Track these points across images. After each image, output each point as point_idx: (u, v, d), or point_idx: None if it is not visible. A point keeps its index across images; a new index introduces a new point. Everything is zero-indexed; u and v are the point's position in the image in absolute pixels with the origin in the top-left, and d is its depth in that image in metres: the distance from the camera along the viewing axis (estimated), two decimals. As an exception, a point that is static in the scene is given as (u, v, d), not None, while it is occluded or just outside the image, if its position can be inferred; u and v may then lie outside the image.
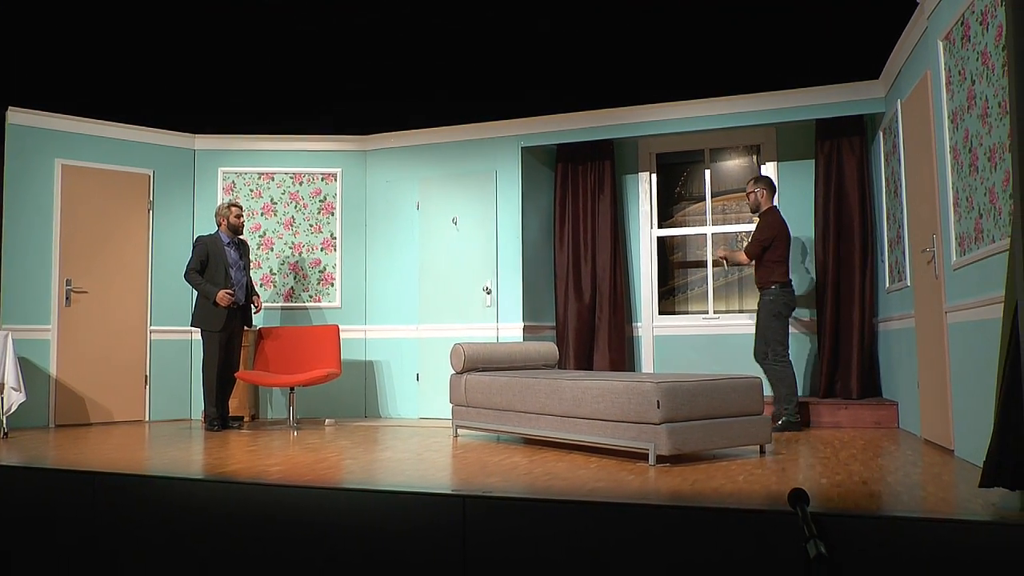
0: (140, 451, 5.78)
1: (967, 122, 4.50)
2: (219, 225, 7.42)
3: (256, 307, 7.51)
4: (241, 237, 7.56)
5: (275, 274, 8.56)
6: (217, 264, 7.24)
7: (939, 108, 5.02)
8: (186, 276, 7.24)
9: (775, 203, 7.05)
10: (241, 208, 7.52)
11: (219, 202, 8.34)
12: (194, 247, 7.36)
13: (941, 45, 4.95)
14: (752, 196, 6.98)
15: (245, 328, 7.56)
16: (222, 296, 7.09)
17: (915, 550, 2.98)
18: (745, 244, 7.19)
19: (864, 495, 3.72)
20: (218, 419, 7.16)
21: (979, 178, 4.31)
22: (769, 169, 7.95)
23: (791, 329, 7.24)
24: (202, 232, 7.90)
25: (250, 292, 7.49)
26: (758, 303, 6.90)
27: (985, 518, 3.14)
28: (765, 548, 3.14)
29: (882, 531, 3.06)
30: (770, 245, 6.75)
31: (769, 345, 6.73)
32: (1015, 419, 3.17)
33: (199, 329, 7.33)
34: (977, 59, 4.31)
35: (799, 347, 7.70)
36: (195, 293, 7.37)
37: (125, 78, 7.66)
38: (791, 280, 6.88)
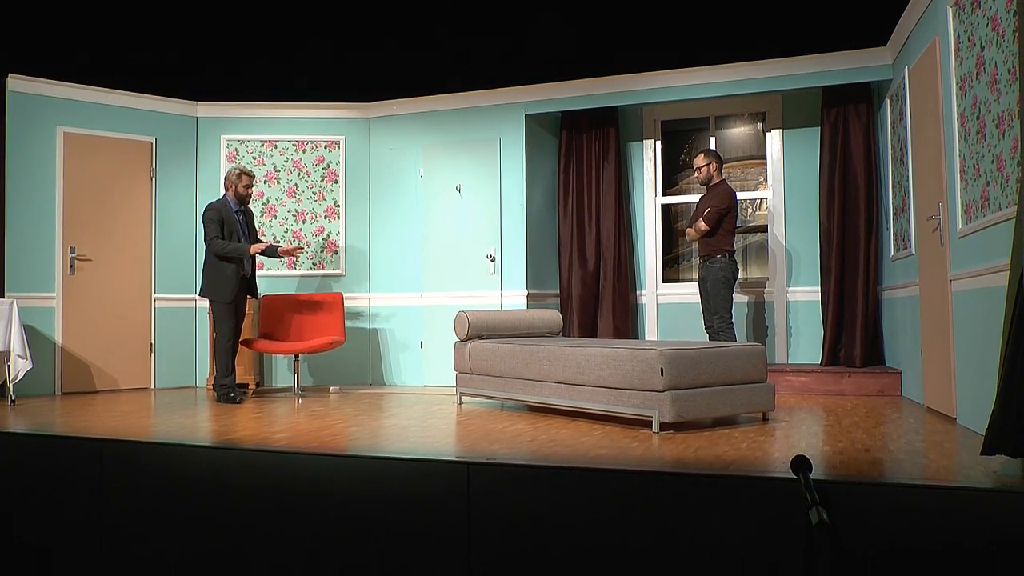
0: (146, 418, 5.82)
1: (975, 89, 4.46)
2: (227, 190, 7.19)
3: (294, 254, 7.28)
4: (247, 206, 7.45)
5: (279, 242, 8.53)
6: (231, 230, 7.03)
7: (947, 75, 4.98)
8: (211, 246, 6.93)
9: (724, 175, 7.13)
10: (252, 178, 7.26)
11: (224, 170, 8.28)
12: (207, 215, 7.05)
13: (951, 11, 4.89)
14: (704, 170, 7.06)
15: (249, 297, 7.52)
16: (256, 247, 6.94)
17: (917, 517, 3.00)
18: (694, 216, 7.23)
19: (866, 462, 3.74)
20: (234, 389, 6.93)
21: (986, 145, 4.28)
22: (775, 136, 7.91)
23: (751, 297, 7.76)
24: (205, 199, 7.82)
25: (270, 251, 7.14)
26: (703, 272, 6.99)
27: (987, 485, 3.15)
28: (768, 515, 3.16)
29: (884, 498, 3.08)
30: (726, 215, 6.84)
31: (717, 313, 6.82)
32: (1018, 387, 3.18)
33: (208, 300, 7.21)
34: (987, 25, 4.26)
35: (805, 314, 7.72)
36: (202, 262, 7.22)
37: (126, 45, 7.60)
38: (736, 249, 7.03)
